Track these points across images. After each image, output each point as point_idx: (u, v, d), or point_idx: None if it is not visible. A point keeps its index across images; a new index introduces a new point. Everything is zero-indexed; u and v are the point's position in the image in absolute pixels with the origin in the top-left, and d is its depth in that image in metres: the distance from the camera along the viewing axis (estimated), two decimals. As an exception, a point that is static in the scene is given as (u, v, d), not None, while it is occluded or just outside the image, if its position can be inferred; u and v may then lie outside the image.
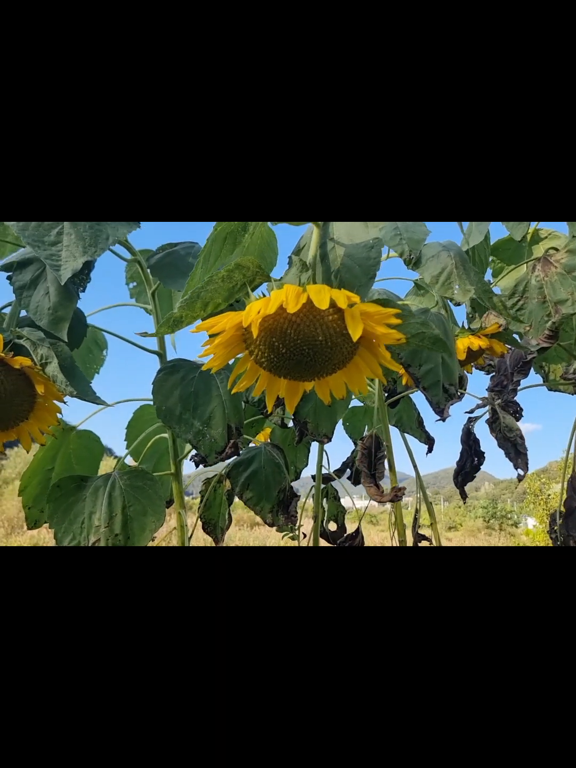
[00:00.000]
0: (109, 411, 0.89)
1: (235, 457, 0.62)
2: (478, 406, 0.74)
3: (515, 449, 0.73)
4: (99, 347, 0.98)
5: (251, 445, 0.82)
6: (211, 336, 0.43)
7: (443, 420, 0.60)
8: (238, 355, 0.47)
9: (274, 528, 0.98)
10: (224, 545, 0.97)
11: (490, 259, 1.14)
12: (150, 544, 0.62)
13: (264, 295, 0.42)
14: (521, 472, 0.74)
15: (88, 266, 0.53)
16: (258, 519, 0.90)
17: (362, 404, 1.01)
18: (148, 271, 0.70)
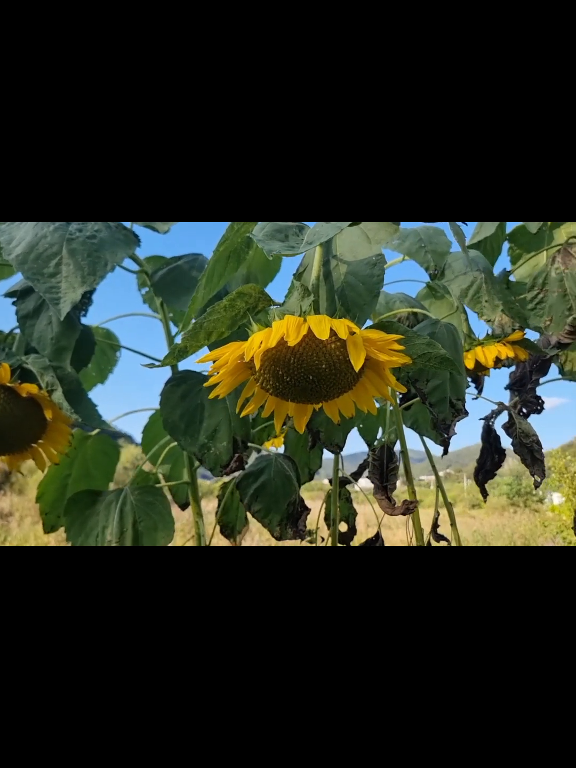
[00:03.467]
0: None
1: (242, 469, 0.62)
2: (494, 412, 0.72)
3: (532, 455, 0.71)
4: (112, 350, 0.99)
5: (263, 452, 0.82)
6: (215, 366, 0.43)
7: (449, 437, 0.59)
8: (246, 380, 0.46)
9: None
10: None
11: (507, 246, 1.10)
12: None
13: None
14: (538, 479, 0.72)
15: (89, 293, 0.52)
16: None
17: (378, 405, 1.00)
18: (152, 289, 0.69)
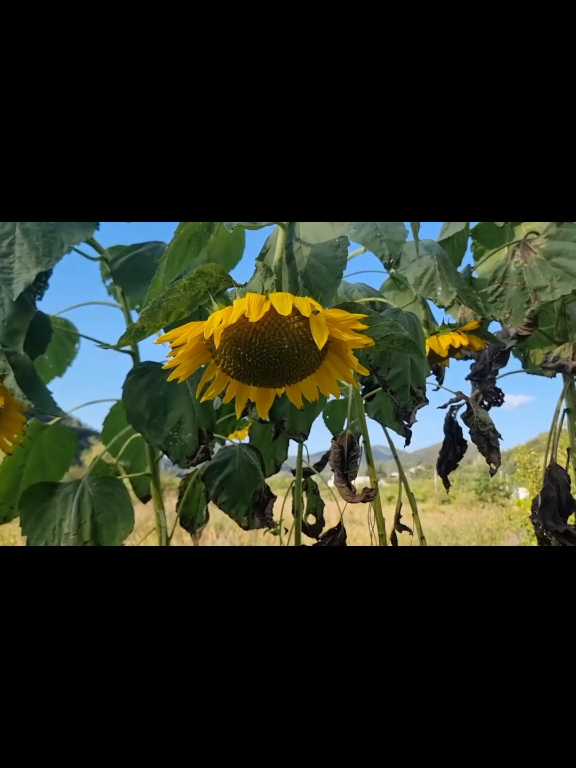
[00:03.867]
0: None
1: (209, 460, 0.60)
2: (452, 401, 0.73)
3: (488, 444, 0.73)
4: (71, 340, 0.96)
5: (227, 443, 0.81)
6: (174, 347, 0.42)
7: (409, 425, 0.59)
8: (205, 364, 0.45)
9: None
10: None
11: (471, 242, 1.12)
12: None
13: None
14: (494, 466, 0.74)
15: (44, 275, 0.50)
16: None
17: (342, 397, 1.00)
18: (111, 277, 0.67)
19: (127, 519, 0.58)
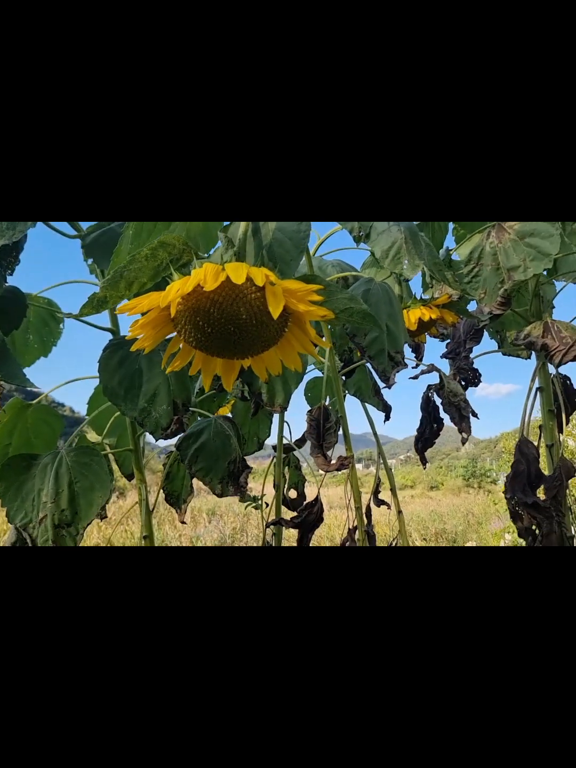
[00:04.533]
0: (81, 383, 0.89)
1: (182, 432, 0.62)
2: (423, 372, 0.75)
3: (459, 413, 0.75)
4: (56, 321, 0.97)
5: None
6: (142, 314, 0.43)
7: (389, 387, 0.61)
8: (171, 335, 0.47)
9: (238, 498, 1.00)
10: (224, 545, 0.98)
11: (452, 226, 1.13)
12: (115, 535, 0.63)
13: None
14: (465, 435, 0.76)
15: (12, 250, 0.51)
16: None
17: (322, 374, 1.02)
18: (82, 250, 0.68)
19: (104, 488, 0.59)
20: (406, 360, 0.73)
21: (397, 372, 0.62)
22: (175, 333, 0.46)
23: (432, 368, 0.75)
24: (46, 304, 0.90)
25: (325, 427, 0.63)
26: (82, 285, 0.88)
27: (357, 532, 0.78)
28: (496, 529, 4.88)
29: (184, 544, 5.41)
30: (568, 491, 0.89)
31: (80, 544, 0.62)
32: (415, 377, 0.75)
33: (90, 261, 0.95)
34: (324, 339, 0.74)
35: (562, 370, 0.90)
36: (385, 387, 0.60)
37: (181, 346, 0.47)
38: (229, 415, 0.93)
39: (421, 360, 0.92)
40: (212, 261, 0.43)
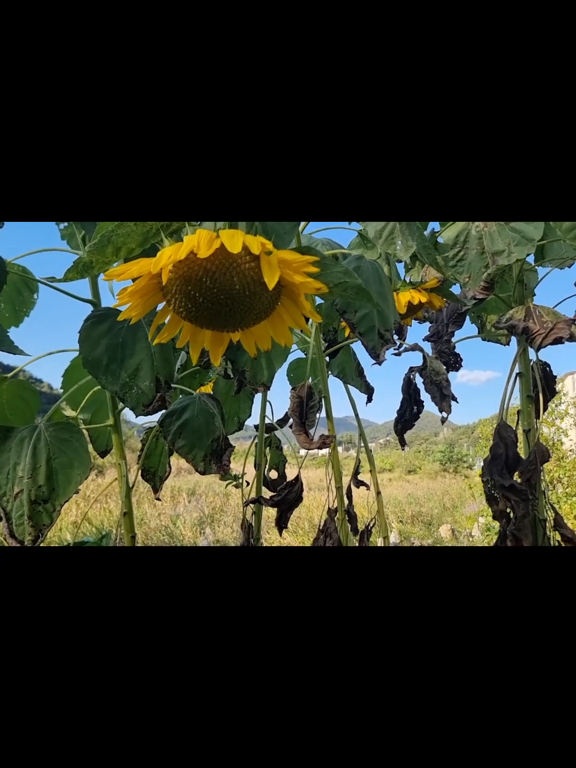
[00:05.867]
0: (58, 358, 0.86)
1: (164, 409, 0.61)
2: (406, 349, 0.75)
3: (441, 392, 0.76)
4: (30, 290, 0.93)
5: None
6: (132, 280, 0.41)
7: (379, 364, 0.61)
8: (159, 306, 0.45)
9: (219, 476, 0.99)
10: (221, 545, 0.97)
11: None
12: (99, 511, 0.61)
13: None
14: (445, 414, 0.77)
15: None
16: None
17: (305, 356, 1.01)
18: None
19: (84, 465, 0.58)
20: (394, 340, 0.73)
21: (387, 350, 0.62)
22: (163, 303, 0.44)
23: (415, 347, 0.75)
24: (20, 270, 0.86)
25: (308, 405, 0.63)
26: (58, 254, 0.85)
27: (337, 512, 0.78)
28: (471, 512, 5.03)
29: (164, 523, 5.41)
30: (542, 475, 0.91)
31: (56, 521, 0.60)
32: (398, 353, 0.76)
33: (62, 226, 0.91)
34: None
35: (542, 356, 0.92)
36: (375, 363, 0.59)
37: (169, 317, 0.45)
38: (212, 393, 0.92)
39: (404, 341, 0.92)
40: (205, 227, 0.42)
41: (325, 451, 0.87)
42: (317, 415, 0.64)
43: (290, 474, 1.05)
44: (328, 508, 0.76)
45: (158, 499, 0.92)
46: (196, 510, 5.83)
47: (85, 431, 0.91)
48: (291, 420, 0.61)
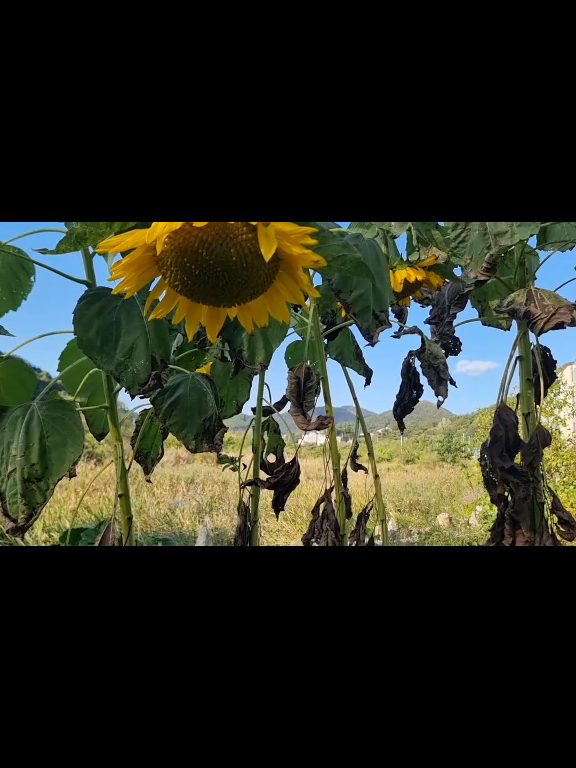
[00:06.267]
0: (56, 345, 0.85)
1: (160, 388, 0.60)
2: (405, 332, 0.74)
3: (438, 376, 0.75)
4: (26, 273, 0.92)
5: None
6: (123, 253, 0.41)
7: (372, 345, 0.60)
8: (154, 281, 0.44)
9: (216, 461, 0.99)
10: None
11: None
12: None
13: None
14: (441, 398, 0.76)
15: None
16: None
17: (302, 339, 1.00)
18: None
19: (77, 444, 0.57)
20: (390, 321, 0.72)
21: (381, 331, 0.61)
22: (159, 278, 0.43)
23: (415, 330, 0.74)
24: (16, 253, 0.85)
25: (306, 386, 0.62)
26: (57, 235, 0.83)
27: (334, 493, 0.78)
28: (469, 500, 5.05)
29: (162, 512, 5.44)
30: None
31: (49, 500, 0.60)
32: (397, 336, 0.75)
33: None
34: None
35: (543, 341, 0.91)
36: (368, 345, 0.59)
37: (164, 292, 0.44)
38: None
39: (404, 322, 0.91)
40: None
41: (324, 439, 0.87)
42: (315, 398, 0.63)
43: (289, 460, 1.05)
44: (325, 491, 0.76)
45: (149, 480, 0.92)
46: (194, 498, 5.85)
47: (80, 412, 0.90)
48: (289, 402, 0.60)
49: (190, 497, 5.92)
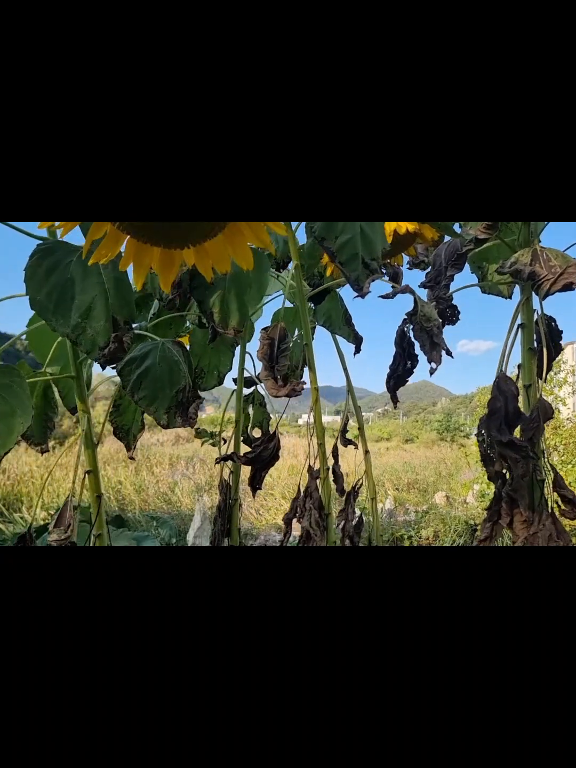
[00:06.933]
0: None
1: (122, 353, 0.54)
2: (397, 292, 0.68)
3: (431, 340, 0.69)
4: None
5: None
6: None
7: (362, 296, 0.54)
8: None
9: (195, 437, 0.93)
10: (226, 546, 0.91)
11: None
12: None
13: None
14: (434, 365, 0.70)
15: None
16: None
17: (293, 305, 0.94)
18: None
19: (26, 413, 0.52)
20: (381, 272, 0.66)
21: (373, 281, 0.54)
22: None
23: (407, 289, 0.68)
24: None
25: (280, 349, 0.56)
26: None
27: (320, 471, 0.73)
28: (466, 479, 5.03)
29: (162, 490, 5.46)
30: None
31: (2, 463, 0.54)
32: (389, 296, 0.68)
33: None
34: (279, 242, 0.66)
35: (548, 310, 0.85)
36: (357, 296, 0.52)
37: (107, 230, 0.38)
38: (188, 346, 0.85)
39: (399, 284, 0.85)
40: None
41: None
42: (289, 360, 0.57)
43: (297, 461, 0.99)
44: (309, 467, 0.70)
45: (132, 458, 0.86)
46: (191, 477, 5.86)
47: (50, 384, 0.84)
48: (261, 363, 0.54)
49: (188, 476, 5.92)
